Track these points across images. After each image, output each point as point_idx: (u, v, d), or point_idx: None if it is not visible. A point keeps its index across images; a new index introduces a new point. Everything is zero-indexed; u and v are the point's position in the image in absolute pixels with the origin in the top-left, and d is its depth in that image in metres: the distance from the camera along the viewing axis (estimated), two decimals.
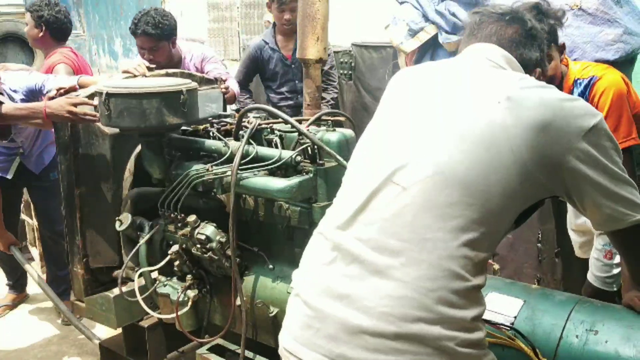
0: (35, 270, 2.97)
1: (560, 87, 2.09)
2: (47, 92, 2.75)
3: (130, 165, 2.23)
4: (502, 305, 1.51)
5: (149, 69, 2.44)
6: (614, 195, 1.17)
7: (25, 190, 3.62)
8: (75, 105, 2.25)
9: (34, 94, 2.87)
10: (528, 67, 1.37)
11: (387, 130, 1.30)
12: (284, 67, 3.61)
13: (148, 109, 1.93)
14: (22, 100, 2.81)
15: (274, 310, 1.90)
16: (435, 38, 3.11)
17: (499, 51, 1.35)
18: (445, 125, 1.20)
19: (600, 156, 1.16)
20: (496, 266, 2.12)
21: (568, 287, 2.77)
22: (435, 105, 1.25)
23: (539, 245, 2.86)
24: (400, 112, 1.30)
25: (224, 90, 2.59)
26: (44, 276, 3.71)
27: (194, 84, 2.07)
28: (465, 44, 1.42)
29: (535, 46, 1.39)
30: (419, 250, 1.13)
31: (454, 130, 1.18)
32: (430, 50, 3.14)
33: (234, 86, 3.28)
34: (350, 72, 3.99)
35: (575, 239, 2.56)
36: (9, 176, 3.28)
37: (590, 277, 2.25)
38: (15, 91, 2.87)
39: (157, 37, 3.18)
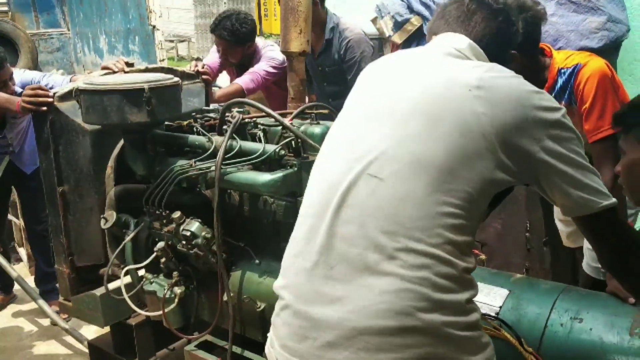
0: (18, 273, 2.95)
1: (544, 77, 2.08)
2: None
3: (112, 161, 2.21)
4: (487, 296, 1.51)
5: (128, 64, 2.42)
6: (580, 183, 1.19)
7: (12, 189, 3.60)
8: (28, 95, 2.28)
9: None
10: (498, 56, 1.37)
11: (357, 122, 1.28)
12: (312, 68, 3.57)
13: (109, 106, 1.91)
14: (19, 94, 2.92)
15: (261, 305, 1.89)
16: (420, 29, 3.11)
17: (466, 41, 1.35)
18: (416, 114, 1.19)
19: (565, 148, 1.18)
20: (483, 257, 2.12)
21: (557, 275, 2.79)
22: (406, 94, 1.24)
23: (527, 234, 2.87)
24: (369, 103, 1.29)
25: (203, 76, 2.62)
26: (32, 277, 3.70)
27: (166, 81, 2.01)
28: (435, 28, 1.43)
29: (507, 35, 1.40)
30: (406, 240, 1.11)
31: (426, 117, 1.18)
32: (415, 41, 3.13)
33: (242, 81, 3.35)
34: None
35: (562, 228, 2.57)
36: None
37: (585, 266, 2.25)
38: None
39: (232, 43, 3.42)
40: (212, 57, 3.65)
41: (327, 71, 3.44)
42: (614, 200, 1.23)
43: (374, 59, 1.59)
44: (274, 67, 3.48)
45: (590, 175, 1.21)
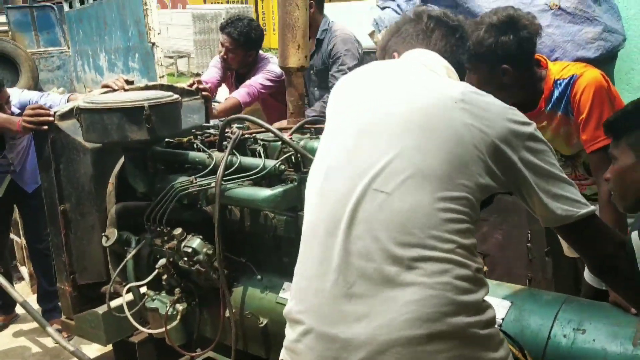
0: (19, 293, 2.94)
1: (540, 88, 2.09)
2: None
3: (113, 179, 2.21)
4: None
5: (128, 82, 2.44)
6: (556, 195, 1.25)
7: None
8: (29, 115, 2.29)
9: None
10: (458, 71, 1.44)
11: (351, 137, 1.29)
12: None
13: (109, 124, 1.93)
14: (17, 115, 2.98)
15: (263, 321, 1.89)
16: None
17: (438, 58, 1.41)
18: (410, 126, 1.22)
19: (540, 160, 1.25)
20: (485, 268, 2.11)
21: (559, 285, 2.78)
22: (396, 107, 1.26)
23: (528, 245, 2.86)
24: (360, 117, 1.30)
25: (203, 92, 2.65)
26: (35, 296, 3.69)
27: (166, 99, 2.02)
28: (394, 46, 1.50)
29: (464, 51, 1.49)
30: (421, 249, 1.14)
31: (421, 129, 1.21)
32: None
33: (238, 95, 3.38)
34: None
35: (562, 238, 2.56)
36: None
37: (586, 276, 2.25)
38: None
39: (235, 41, 3.45)
40: (210, 73, 3.68)
41: (317, 71, 3.46)
42: (592, 208, 1.27)
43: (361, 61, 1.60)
44: (270, 80, 3.51)
45: (567, 186, 1.26)
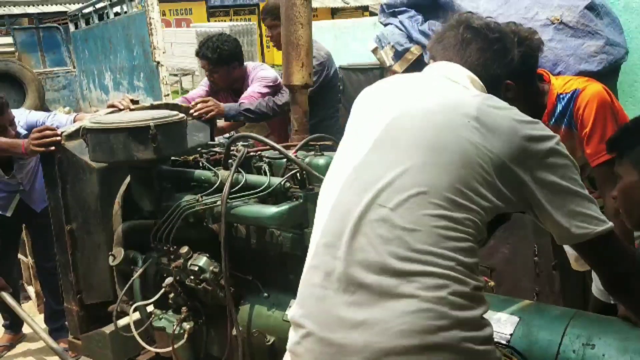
0: (27, 313, 2.95)
1: (543, 103, 2.10)
2: None
3: (119, 198, 2.22)
4: (497, 324, 1.50)
5: (134, 102, 2.46)
6: (572, 212, 1.23)
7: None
8: (36, 137, 2.32)
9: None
10: (492, 85, 1.42)
11: (362, 151, 1.30)
12: None
13: (115, 144, 1.94)
14: (24, 136, 3.04)
15: (270, 339, 1.88)
16: (420, 58, 3.14)
17: (463, 71, 1.39)
18: (419, 144, 1.23)
19: (558, 176, 1.22)
20: (492, 283, 2.11)
21: (567, 299, 2.76)
22: (407, 124, 1.27)
23: (535, 258, 2.85)
24: (372, 132, 1.31)
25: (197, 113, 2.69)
26: (41, 315, 3.69)
27: (172, 118, 2.04)
28: (434, 52, 1.48)
29: (501, 65, 1.44)
30: (421, 265, 1.15)
31: (430, 148, 1.22)
32: (416, 70, 3.16)
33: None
34: (339, 95, 4.01)
35: (570, 252, 2.55)
36: (8, 214, 3.30)
37: (594, 290, 2.23)
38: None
39: (214, 61, 3.47)
40: (197, 91, 3.71)
41: None
42: (609, 225, 1.25)
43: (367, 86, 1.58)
44: (267, 86, 3.52)
45: (585, 202, 1.24)
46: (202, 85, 3.76)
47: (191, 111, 2.72)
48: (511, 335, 1.49)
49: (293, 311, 1.32)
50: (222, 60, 3.48)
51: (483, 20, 1.49)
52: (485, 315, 1.20)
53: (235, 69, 3.57)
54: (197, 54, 3.58)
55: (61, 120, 3.15)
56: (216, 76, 3.55)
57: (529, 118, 1.26)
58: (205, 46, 3.50)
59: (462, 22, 1.48)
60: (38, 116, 3.26)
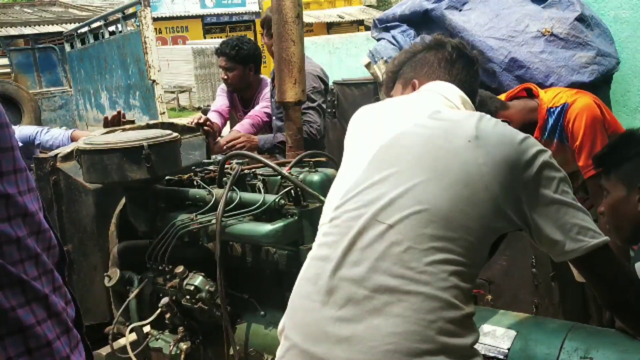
0: None
1: (534, 118, 2.11)
2: (38, 144, 3.11)
3: (115, 219, 2.22)
4: (494, 338, 1.49)
5: (129, 122, 2.47)
6: (567, 224, 1.21)
7: None
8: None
9: (26, 145, 3.11)
10: (472, 101, 1.45)
11: (364, 170, 1.30)
12: None
13: (109, 165, 1.94)
14: None
15: (268, 358, 1.87)
16: None
17: (456, 90, 1.40)
18: (421, 164, 1.22)
19: (552, 191, 1.21)
20: (489, 297, 2.10)
21: (566, 310, 2.75)
22: (408, 143, 1.27)
23: (533, 270, 2.84)
24: (373, 152, 1.31)
25: (198, 123, 2.71)
26: None
27: (165, 137, 2.04)
28: (411, 74, 1.50)
29: (477, 82, 1.50)
30: (414, 284, 1.13)
31: (431, 169, 1.21)
32: None
33: (242, 128, 3.40)
34: (333, 110, 4.03)
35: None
36: None
37: None
38: None
39: (231, 58, 3.49)
40: (219, 101, 3.72)
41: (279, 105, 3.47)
42: (605, 237, 1.23)
43: (361, 101, 1.60)
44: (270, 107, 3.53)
45: (579, 214, 1.22)
46: (219, 94, 3.77)
47: (223, 147, 2.77)
48: (509, 349, 1.48)
49: (282, 323, 1.32)
50: (239, 59, 3.49)
51: (457, 40, 1.55)
52: (481, 330, 1.19)
53: (251, 71, 3.57)
54: (216, 51, 3.60)
55: (54, 133, 3.13)
56: (230, 75, 3.54)
57: (522, 134, 1.26)
58: (225, 44, 3.54)
59: (444, 42, 1.51)
60: (30, 131, 3.22)
